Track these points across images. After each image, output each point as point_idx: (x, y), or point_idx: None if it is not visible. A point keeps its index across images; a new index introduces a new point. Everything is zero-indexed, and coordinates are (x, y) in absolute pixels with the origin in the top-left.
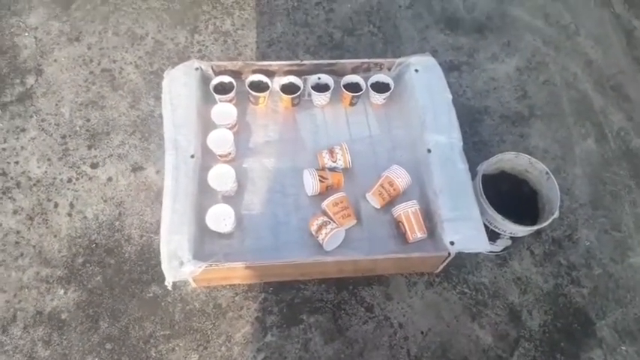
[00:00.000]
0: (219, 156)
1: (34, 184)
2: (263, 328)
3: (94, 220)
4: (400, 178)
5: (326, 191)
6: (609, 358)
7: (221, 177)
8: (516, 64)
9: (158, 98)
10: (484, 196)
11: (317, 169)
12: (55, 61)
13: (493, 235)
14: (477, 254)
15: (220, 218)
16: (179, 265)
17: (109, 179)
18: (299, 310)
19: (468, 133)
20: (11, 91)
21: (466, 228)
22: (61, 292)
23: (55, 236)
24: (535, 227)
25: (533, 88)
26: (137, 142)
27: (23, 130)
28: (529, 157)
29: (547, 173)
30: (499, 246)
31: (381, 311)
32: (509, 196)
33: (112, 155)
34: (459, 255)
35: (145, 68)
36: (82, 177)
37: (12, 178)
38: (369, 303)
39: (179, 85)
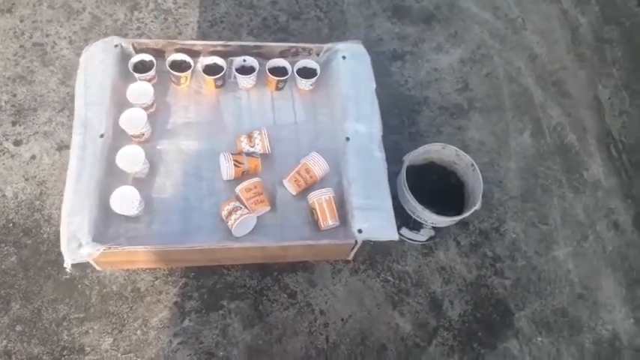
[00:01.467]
0: (132, 136)
1: None
2: (181, 313)
3: (13, 198)
4: (317, 165)
5: (242, 176)
6: (524, 349)
7: (130, 157)
8: (460, 55)
9: None
10: (407, 186)
11: (233, 154)
12: None
13: (416, 225)
14: (403, 243)
15: (125, 200)
16: (77, 246)
17: (33, 157)
18: (220, 296)
19: (405, 124)
20: None
21: (376, 217)
22: None
23: None
24: (455, 218)
25: (476, 80)
26: (65, 120)
27: None
28: (456, 148)
29: (472, 165)
30: (423, 235)
31: (304, 298)
32: (437, 187)
33: (37, 133)
34: (385, 244)
35: (79, 44)
36: (3, 154)
37: None
38: (292, 289)
39: (96, 63)
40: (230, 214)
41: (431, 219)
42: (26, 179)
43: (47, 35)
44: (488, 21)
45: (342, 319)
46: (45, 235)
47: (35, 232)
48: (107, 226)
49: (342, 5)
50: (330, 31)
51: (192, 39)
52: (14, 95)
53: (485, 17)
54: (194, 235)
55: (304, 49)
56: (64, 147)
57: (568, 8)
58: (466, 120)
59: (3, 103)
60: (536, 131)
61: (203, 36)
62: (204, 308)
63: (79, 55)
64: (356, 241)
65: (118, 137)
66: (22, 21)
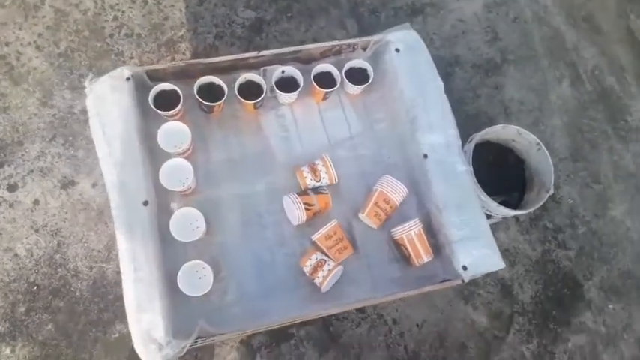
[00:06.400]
0: (179, 192)
1: None
2: (251, 351)
3: (27, 256)
4: (396, 192)
5: (313, 217)
6: (598, 319)
7: (186, 224)
8: (484, 0)
9: (74, 89)
10: (478, 184)
11: (299, 194)
12: None
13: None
14: None
15: (196, 278)
16: (157, 348)
17: (36, 202)
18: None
19: None
20: None
21: (477, 247)
22: (7, 350)
23: None
24: (531, 210)
25: (504, 27)
26: (60, 149)
27: None
28: (517, 127)
29: (538, 144)
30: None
31: (374, 310)
32: (495, 167)
33: (32, 171)
34: None
35: (49, 50)
36: (0, 204)
37: None
38: None
39: (109, 105)
40: (315, 270)
41: (503, 213)
42: (36, 230)
43: (7, 44)
44: None
45: (417, 325)
46: (77, 293)
47: (65, 290)
48: (178, 312)
49: None
50: None
51: (182, 23)
52: None
53: None
54: (273, 297)
55: (348, 45)
56: (68, 183)
57: None
58: (502, 76)
59: None
60: (574, 78)
61: (194, 18)
62: (273, 341)
63: (53, 64)
64: (463, 280)
65: (160, 194)
66: None
